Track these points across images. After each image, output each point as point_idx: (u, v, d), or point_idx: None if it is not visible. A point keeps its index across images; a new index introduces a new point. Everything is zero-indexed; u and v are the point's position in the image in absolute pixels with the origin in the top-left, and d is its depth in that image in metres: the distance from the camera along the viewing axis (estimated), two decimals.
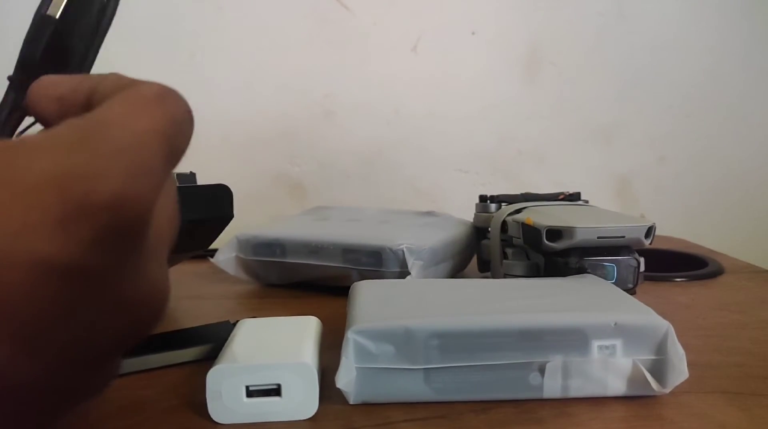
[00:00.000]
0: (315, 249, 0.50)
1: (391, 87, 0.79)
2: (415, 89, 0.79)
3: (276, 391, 0.27)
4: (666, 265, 0.56)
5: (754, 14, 0.82)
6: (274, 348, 0.30)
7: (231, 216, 0.47)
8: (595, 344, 0.29)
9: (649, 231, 0.41)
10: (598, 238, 0.40)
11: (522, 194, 0.52)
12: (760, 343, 0.38)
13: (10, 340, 0.15)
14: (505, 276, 0.45)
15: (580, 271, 0.40)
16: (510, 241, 0.46)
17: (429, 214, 0.61)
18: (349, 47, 0.78)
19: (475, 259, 0.55)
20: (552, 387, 0.29)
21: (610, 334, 0.29)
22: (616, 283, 0.39)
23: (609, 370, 0.29)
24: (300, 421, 0.28)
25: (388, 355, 0.28)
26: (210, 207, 0.45)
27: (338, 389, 0.28)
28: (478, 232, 0.53)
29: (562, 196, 0.52)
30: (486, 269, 0.51)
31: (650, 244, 0.42)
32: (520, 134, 0.81)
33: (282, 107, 0.77)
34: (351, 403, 0.29)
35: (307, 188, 0.79)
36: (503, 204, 0.51)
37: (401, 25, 0.78)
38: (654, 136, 0.83)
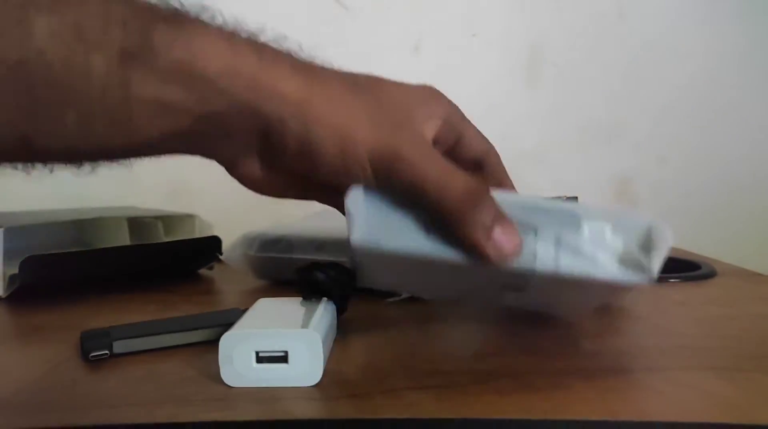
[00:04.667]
0: (321, 244, 0.51)
1: None
2: None
3: (284, 358, 0.29)
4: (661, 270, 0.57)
5: (753, 14, 0.82)
6: (285, 319, 0.32)
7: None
8: (587, 224, 0.30)
9: None
10: None
11: None
12: (750, 331, 0.39)
13: None
14: None
15: None
16: None
17: None
18: (349, 47, 0.79)
19: None
20: (545, 257, 0.29)
21: (601, 217, 0.30)
22: None
23: (599, 246, 0.29)
24: (307, 388, 0.29)
25: (393, 204, 0.30)
26: None
27: (345, 362, 0.30)
28: None
29: None
30: None
31: None
32: (520, 134, 0.81)
33: None
34: (356, 240, 0.29)
35: None
36: None
37: (401, 25, 0.78)
38: (654, 137, 0.83)
